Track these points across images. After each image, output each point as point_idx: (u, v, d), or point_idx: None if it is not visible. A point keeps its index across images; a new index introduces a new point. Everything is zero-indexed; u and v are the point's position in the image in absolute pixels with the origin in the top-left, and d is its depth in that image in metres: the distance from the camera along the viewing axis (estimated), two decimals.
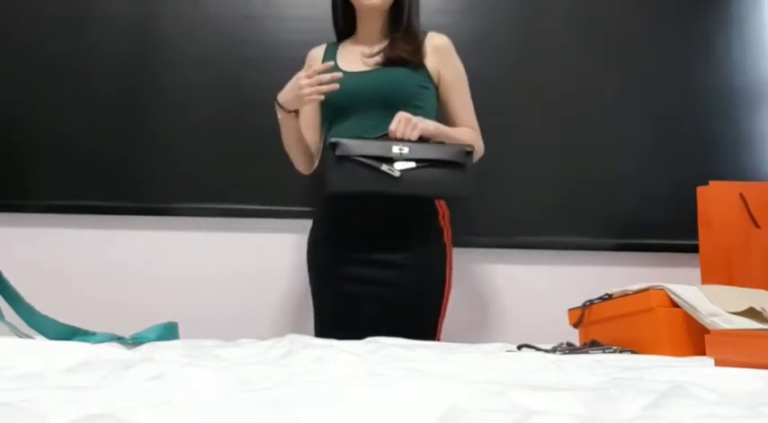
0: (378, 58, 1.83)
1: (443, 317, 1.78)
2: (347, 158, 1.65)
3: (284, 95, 1.74)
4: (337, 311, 1.78)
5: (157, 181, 2.23)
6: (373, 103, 1.78)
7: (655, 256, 2.34)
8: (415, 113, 1.73)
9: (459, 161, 1.68)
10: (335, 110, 1.82)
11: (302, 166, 1.91)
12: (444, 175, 1.67)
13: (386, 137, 1.70)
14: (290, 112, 1.77)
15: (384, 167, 1.64)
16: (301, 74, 1.70)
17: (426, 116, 1.77)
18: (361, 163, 1.64)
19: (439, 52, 1.87)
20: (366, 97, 1.79)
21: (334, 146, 1.66)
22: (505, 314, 2.26)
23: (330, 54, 1.90)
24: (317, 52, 1.95)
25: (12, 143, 2.24)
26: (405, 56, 1.81)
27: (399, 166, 1.64)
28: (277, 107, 1.77)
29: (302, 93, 1.68)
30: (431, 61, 1.85)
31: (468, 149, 1.70)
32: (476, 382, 0.70)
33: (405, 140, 1.67)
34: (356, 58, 1.86)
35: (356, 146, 1.66)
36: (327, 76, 1.68)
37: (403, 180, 1.64)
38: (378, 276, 1.74)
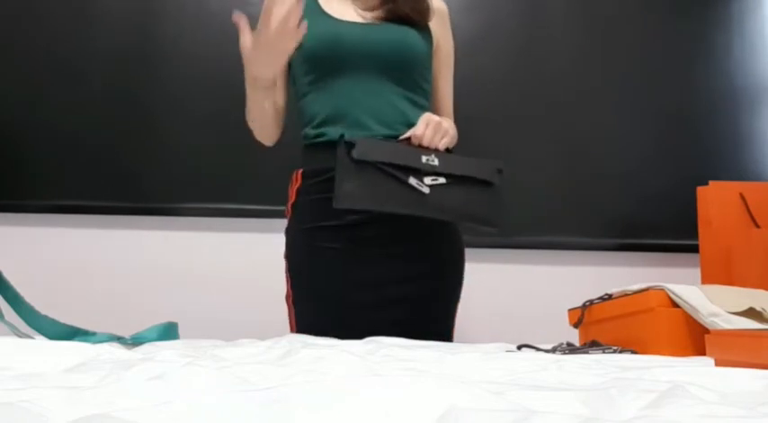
0: (379, 13, 1.54)
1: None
2: (365, 163, 1.35)
3: (255, 64, 1.38)
4: (348, 320, 1.44)
5: (157, 181, 2.23)
6: (376, 64, 1.49)
7: (655, 256, 2.35)
8: (423, 88, 1.54)
9: (490, 180, 1.45)
10: (325, 66, 1.49)
11: (268, 136, 1.59)
12: (474, 195, 1.42)
13: (396, 137, 1.44)
14: (268, 83, 1.43)
15: (412, 181, 1.36)
16: (262, 27, 1.33)
17: (428, 97, 1.58)
18: (384, 171, 1.35)
19: (440, 18, 1.62)
20: (370, 56, 1.49)
21: (350, 146, 1.35)
22: (505, 314, 2.26)
23: None
24: None
25: (12, 143, 2.24)
26: (412, 14, 1.53)
27: (428, 180, 1.38)
28: (248, 80, 1.45)
29: (277, 45, 1.32)
30: (433, 26, 1.59)
31: (499, 167, 1.47)
32: (475, 382, 0.70)
33: (431, 149, 1.41)
34: (346, 5, 1.56)
35: (378, 149, 1.37)
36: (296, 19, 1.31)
37: (430, 198, 1.37)
38: (399, 276, 1.48)
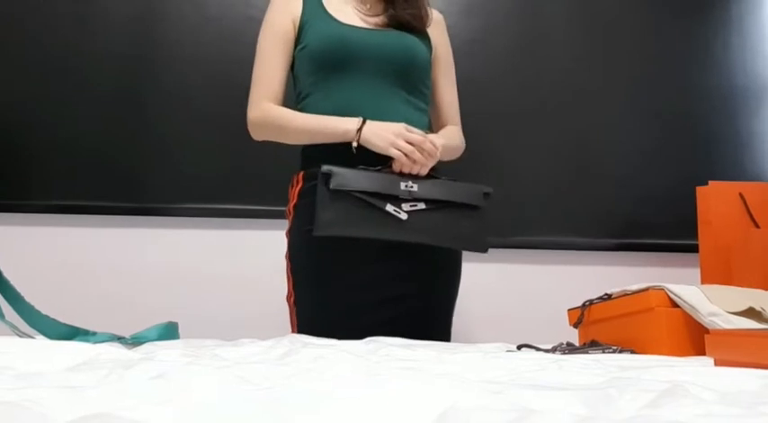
0: (382, 18, 1.59)
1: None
2: (342, 193, 1.40)
3: (373, 139, 1.45)
4: (349, 320, 1.46)
5: (157, 181, 2.24)
6: (381, 66, 1.53)
7: (654, 256, 2.35)
8: (423, 92, 1.58)
9: (475, 204, 1.48)
10: (331, 66, 1.52)
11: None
12: (456, 220, 1.46)
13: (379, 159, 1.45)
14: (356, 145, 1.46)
15: (389, 208, 1.41)
16: (405, 132, 1.44)
17: (427, 102, 1.62)
18: (362, 200, 1.40)
19: (438, 26, 1.68)
20: (375, 58, 1.53)
21: (327, 177, 1.40)
22: (505, 314, 2.26)
23: None
24: None
25: (12, 143, 2.24)
26: (412, 21, 1.59)
27: (406, 206, 1.42)
28: (353, 135, 1.46)
29: (398, 149, 1.43)
30: (431, 34, 1.65)
31: (487, 191, 1.50)
32: (475, 382, 0.70)
33: (413, 175, 1.45)
34: (349, 10, 1.60)
35: (355, 178, 1.41)
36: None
37: (409, 224, 1.41)
38: (399, 275, 1.50)
